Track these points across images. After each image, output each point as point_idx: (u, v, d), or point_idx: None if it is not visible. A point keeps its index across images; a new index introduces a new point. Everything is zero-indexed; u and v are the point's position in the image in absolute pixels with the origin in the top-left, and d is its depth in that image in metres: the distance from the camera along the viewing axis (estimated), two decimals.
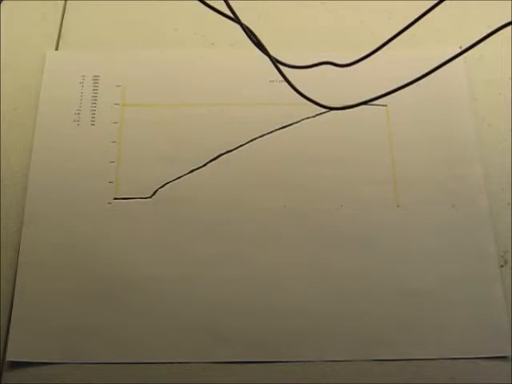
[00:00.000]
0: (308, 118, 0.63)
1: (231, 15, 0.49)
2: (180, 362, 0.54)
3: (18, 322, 0.55)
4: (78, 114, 0.64)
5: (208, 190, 0.60)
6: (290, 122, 0.63)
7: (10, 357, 0.54)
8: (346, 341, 0.54)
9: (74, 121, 0.64)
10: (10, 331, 0.54)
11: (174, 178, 0.61)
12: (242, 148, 0.62)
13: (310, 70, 0.65)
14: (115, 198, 0.60)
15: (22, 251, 0.57)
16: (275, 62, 0.51)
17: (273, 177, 0.61)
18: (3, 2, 0.70)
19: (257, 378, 0.53)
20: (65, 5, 0.71)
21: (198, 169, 0.61)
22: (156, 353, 0.54)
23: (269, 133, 0.63)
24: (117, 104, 0.64)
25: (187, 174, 0.61)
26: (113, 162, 0.61)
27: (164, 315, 0.55)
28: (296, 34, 0.68)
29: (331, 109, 0.55)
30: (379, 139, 0.62)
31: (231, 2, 0.72)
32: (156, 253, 0.57)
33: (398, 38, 0.67)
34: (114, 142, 0.62)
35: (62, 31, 0.69)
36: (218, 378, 0.53)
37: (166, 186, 0.60)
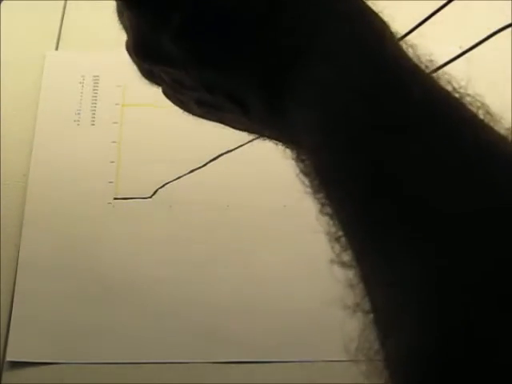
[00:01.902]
0: None
1: None
2: (180, 362, 0.54)
3: (18, 321, 0.55)
4: (78, 114, 0.64)
5: (208, 190, 0.60)
6: None
7: (10, 357, 0.53)
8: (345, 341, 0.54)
9: (74, 121, 0.64)
10: (10, 331, 0.54)
11: (174, 178, 0.61)
12: (242, 148, 0.62)
13: None
14: (115, 198, 0.60)
15: (21, 251, 0.57)
16: None
17: (273, 177, 0.61)
18: (3, 2, 0.70)
19: (257, 378, 0.53)
20: (65, 5, 0.71)
21: (198, 169, 0.61)
22: (156, 353, 0.54)
23: None
24: (117, 104, 0.64)
25: (187, 173, 0.61)
26: (113, 162, 0.61)
27: (164, 315, 0.55)
28: None
29: None
30: None
31: None
32: (156, 253, 0.57)
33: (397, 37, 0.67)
34: (114, 141, 0.62)
35: (62, 31, 0.69)
36: (218, 378, 0.53)
37: (166, 186, 0.60)
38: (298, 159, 0.35)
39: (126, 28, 0.38)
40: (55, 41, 0.68)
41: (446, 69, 0.56)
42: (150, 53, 0.36)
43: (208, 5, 0.33)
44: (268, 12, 0.33)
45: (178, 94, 0.39)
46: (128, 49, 0.38)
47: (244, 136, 0.63)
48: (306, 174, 0.35)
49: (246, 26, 0.33)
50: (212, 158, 0.61)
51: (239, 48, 0.33)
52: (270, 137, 0.38)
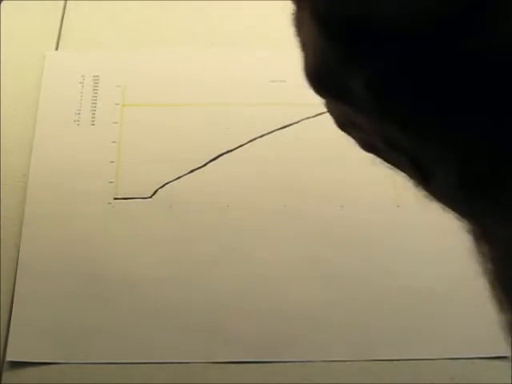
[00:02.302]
0: (308, 117, 0.63)
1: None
2: (180, 362, 0.54)
3: (18, 322, 0.55)
4: (78, 114, 0.64)
5: (208, 190, 0.60)
6: (290, 122, 0.63)
7: (10, 357, 0.53)
8: (345, 341, 0.54)
9: (74, 121, 0.64)
10: (10, 331, 0.54)
11: (174, 178, 0.61)
12: (241, 148, 0.62)
13: None
14: (115, 198, 0.60)
15: (21, 251, 0.57)
16: None
17: (273, 177, 0.61)
18: (3, 2, 0.70)
19: (257, 378, 0.53)
20: (65, 5, 0.71)
21: (198, 169, 0.61)
22: (156, 353, 0.54)
23: (269, 133, 0.63)
24: (117, 104, 0.64)
25: (187, 173, 0.61)
26: (113, 162, 0.61)
27: (164, 315, 0.55)
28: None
29: None
30: None
31: (233, 2, 0.72)
32: (156, 253, 0.57)
33: None
34: (114, 141, 0.62)
35: (62, 31, 0.69)
36: (218, 378, 0.53)
37: (165, 186, 0.60)
38: (477, 242, 0.30)
39: (303, 43, 0.30)
40: (55, 41, 0.68)
41: None
42: (328, 85, 0.29)
43: (433, 55, 0.25)
44: None
45: (345, 127, 0.33)
46: (303, 68, 0.31)
47: (244, 136, 0.63)
48: (480, 254, 0.31)
49: (474, 101, 0.25)
50: (212, 157, 0.61)
51: (450, 122, 0.26)
52: (440, 202, 0.31)
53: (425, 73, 0.25)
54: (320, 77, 0.29)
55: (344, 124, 0.32)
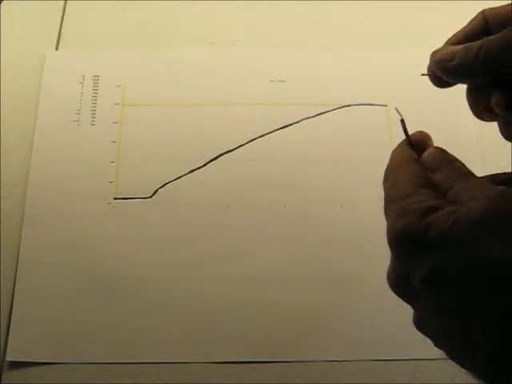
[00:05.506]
0: (308, 118, 0.63)
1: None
2: (180, 362, 0.54)
3: (18, 321, 0.55)
4: (78, 114, 0.64)
5: (208, 190, 0.60)
6: (290, 122, 0.63)
7: (10, 357, 0.53)
8: (345, 341, 0.54)
9: (74, 121, 0.64)
10: (10, 331, 0.54)
11: (174, 178, 0.61)
12: (241, 148, 0.62)
13: (309, 70, 0.66)
14: (115, 198, 0.60)
15: (21, 251, 0.57)
16: None
17: (273, 177, 0.61)
18: (3, 2, 0.70)
19: (257, 378, 0.53)
20: (65, 5, 0.71)
21: (198, 169, 0.61)
22: (156, 353, 0.54)
23: (269, 133, 0.63)
24: (117, 104, 0.64)
25: (187, 173, 0.61)
26: (113, 162, 0.61)
27: (164, 315, 0.55)
28: (296, 34, 0.68)
29: None
30: (379, 139, 0.62)
31: (233, 2, 0.72)
32: (156, 253, 0.57)
33: (398, 37, 0.67)
34: (114, 141, 0.62)
35: (62, 31, 0.69)
36: (218, 378, 0.53)
37: (165, 186, 0.60)
38: None
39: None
40: (55, 41, 0.68)
41: None
42: (399, 287, 0.37)
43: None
44: None
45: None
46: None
47: (244, 136, 0.63)
48: None
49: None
50: (212, 158, 0.61)
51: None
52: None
53: None
54: (393, 281, 0.37)
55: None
